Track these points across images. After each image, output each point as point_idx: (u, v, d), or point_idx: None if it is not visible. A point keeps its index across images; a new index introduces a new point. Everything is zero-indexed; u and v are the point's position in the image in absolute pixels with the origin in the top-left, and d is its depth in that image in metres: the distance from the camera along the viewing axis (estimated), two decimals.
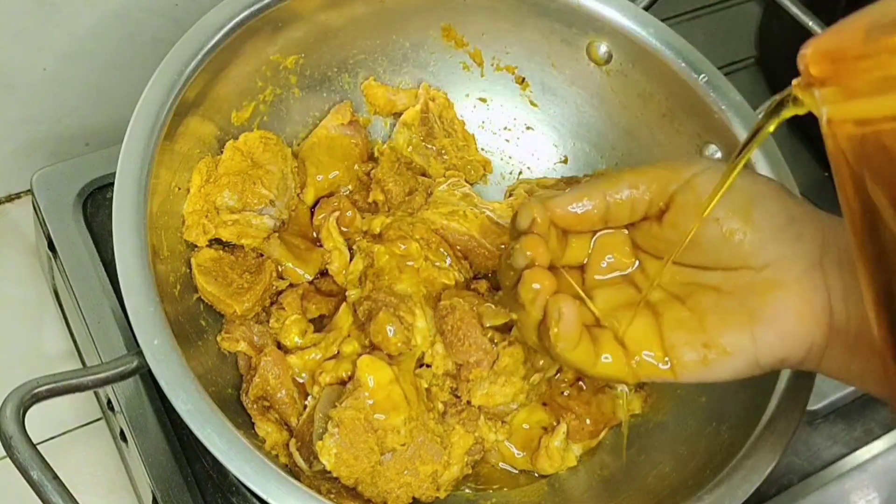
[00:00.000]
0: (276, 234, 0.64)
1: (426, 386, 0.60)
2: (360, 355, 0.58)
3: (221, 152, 0.63)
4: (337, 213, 0.66)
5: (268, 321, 0.62)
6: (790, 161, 0.62)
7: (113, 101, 0.80)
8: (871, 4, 0.35)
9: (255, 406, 0.59)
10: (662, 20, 0.65)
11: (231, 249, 0.63)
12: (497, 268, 0.54)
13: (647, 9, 0.66)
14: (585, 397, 0.63)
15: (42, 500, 0.47)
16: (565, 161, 0.73)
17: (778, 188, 0.51)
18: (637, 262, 0.54)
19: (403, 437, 0.56)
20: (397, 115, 0.72)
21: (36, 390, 0.49)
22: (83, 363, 0.73)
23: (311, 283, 0.64)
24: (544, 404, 0.63)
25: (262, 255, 0.63)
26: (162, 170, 0.57)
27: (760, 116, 0.43)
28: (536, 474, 0.62)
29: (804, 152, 0.82)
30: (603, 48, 0.67)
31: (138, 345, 0.49)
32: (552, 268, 0.50)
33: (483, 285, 0.65)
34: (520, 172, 0.74)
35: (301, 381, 0.61)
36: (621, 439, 0.63)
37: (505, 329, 0.62)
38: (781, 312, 0.47)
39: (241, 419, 0.58)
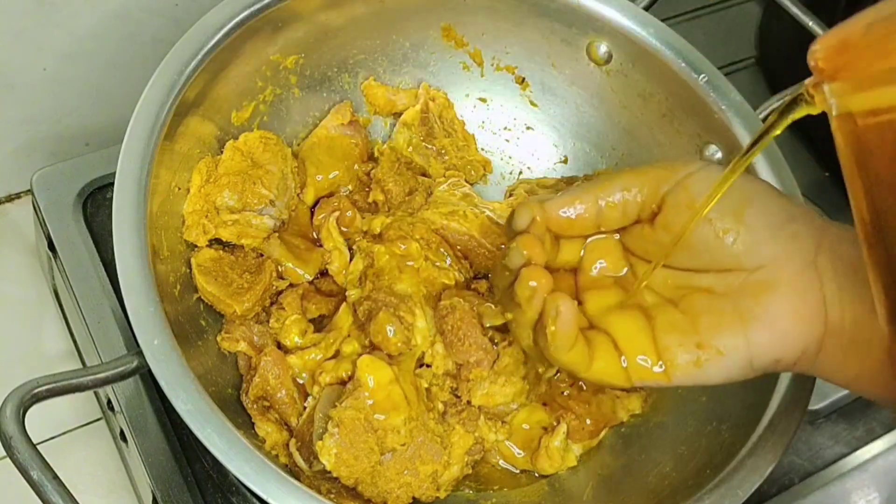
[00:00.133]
0: (276, 234, 0.64)
1: (426, 386, 0.60)
2: (360, 355, 0.58)
3: (221, 152, 0.63)
4: (337, 213, 0.66)
5: (268, 321, 0.62)
6: (791, 161, 0.62)
7: (113, 101, 0.80)
8: (875, 4, 0.36)
9: (255, 406, 0.59)
10: (662, 20, 0.65)
11: (231, 249, 0.63)
12: (492, 270, 0.54)
13: (647, 9, 0.66)
14: (585, 397, 0.63)
15: (42, 500, 0.47)
16: (565, 161, 0.73)
17: (771, 188, 0.51)
18: (628, 267, 0.53)
19: (403, 437, 0.56)
20: (397, 115, 0.72)
21: (36, 390, 0.49)
22: (83, 363, 0.73)
23: (311, 283, 0.64)
24: (544, 404, 0.63)
25: (262, 255, 0.63)
26: (162, 170, 0.57)
27: (770, 114, 0.43)
28: (537, 474, 0.62)
29: (804, 152, 0.82)
30: (603, 48, 0.67)
31: (138, 345, 0.49)
32: (547, 269, 0.50)
33: (483, 285, 0.65)
34: (520, 172, 0.74)
35: (301, 381, 0.61)
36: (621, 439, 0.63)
37: (505, 329, 0.61)
38: (776, 311, 0.47)
39: (241, 419, 0.58)
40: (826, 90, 0.37)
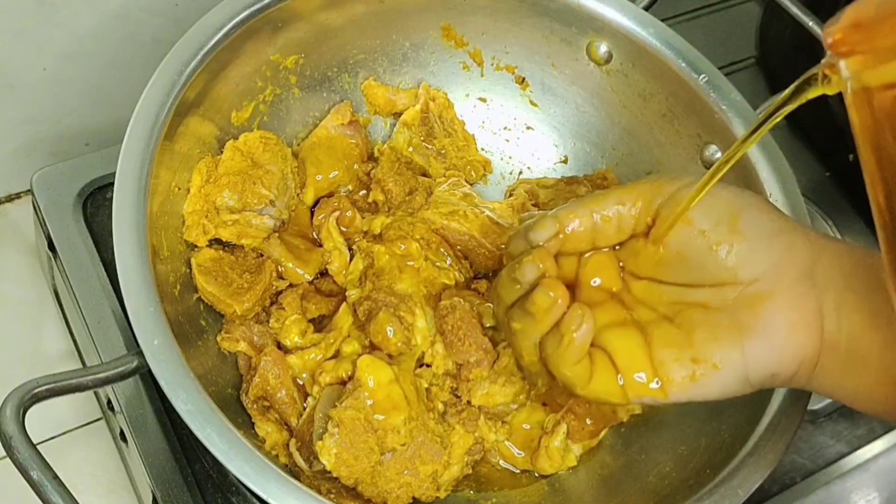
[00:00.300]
0: (276, 234, 0.64)
1: (426, 386, 0.60)
2: (360, 355, 0.58)
3: (221, 152, 0.63)
4: (337, 213, 0.66)
5: (268, 321, 0.62)
6: (791, 161, 0.62)
7: (113, 101, 0.79)
8: None
9: (255, 406, 0.59)
10: (662, 20, 0.65)
11: (231, 249, 0.63)
12: (494, 283, 0.53)
13: (647, 9, 0.66)
14: (584, 400, 0.62)
15: (42, 500, 0.47)
16: (565, 161, 0.73)
17: (763, 201, 0.50)
18: (624, 284, 0.53)
19: (403, 437, 0.56)
20: (397, 115, 0.72)
21: (36, 390, 0.49)
22: (83, 363, 0.73)
23: (311, 283, 0.64)
24: (544, 404, 0.62)
25: (262, 255, 0.63)
26: (162, 170, 0.57)
27: (783, 94, 0.42)
28: (537, 474, 0.62)
29: (805, 152, 0.82)
30: (603, 48, 0.68)
31: (138, 345, 0.49)
32: None
33: (483, 285, 0.65)
34: (520, 172, 0.74)
35: (301, 381, 0.61)
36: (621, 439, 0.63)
37: None
38: (772, 324, 0.47)
39: (241, 419, 0.58)
40: (842, 66, 0.37)
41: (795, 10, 0.71)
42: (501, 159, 0.74)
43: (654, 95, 0.67)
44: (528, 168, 0.74)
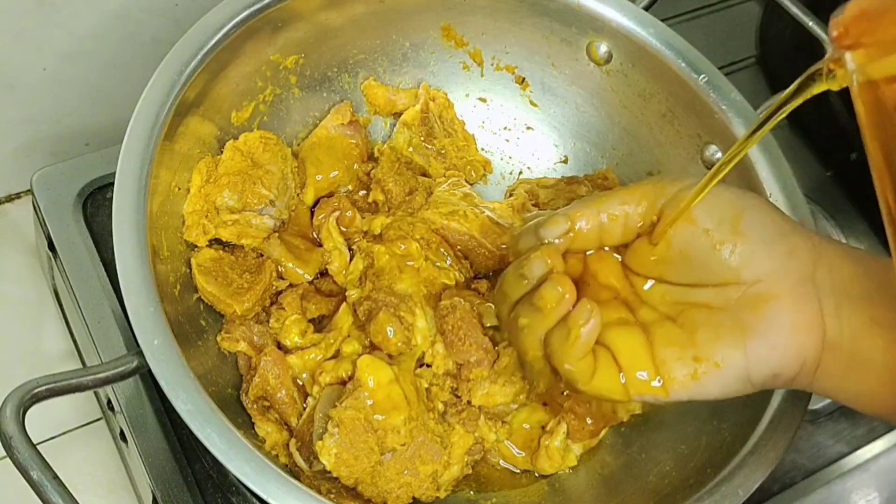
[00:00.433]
0: (276, 234, 0.64)
1: (426, 386, 0.60)
2: (360, 355, 0.58)
3: (221, 152, 0.63)
4: (337, 213, 0.66)
5: (268, 321, 0.62)
6: (791, 161, 0.62)
7: (113, 101, 0.79)
8: None
9: (255, 406, 0.59)
10: (662, 20, 0.65)
11: (231, 249, 0.63)
12: (500, 281, 0.54)
13: (647, 9, 0.66)
14: (585, 397, 0.62)
15: (42, 500, 0.47)
16: (565, 161, 0.73)
17: (766, 203, 0.51)
18: (628, 283, 0.53)
19: (403, 437, 0.56)
20: (397, 115, 0.72)
21: (36, 390, 0.49)
22: (83, 363, 0.73)
23: (311, 283, 0.64)
24: (544, 404, 0.62)
25: (262, 255, 0.63)
26: (162, 170, 0.57)
27: (786, 91, 0.43)
28: (537, 474, 0.62)
29: (806, 151, 0.82)
30: (603, 48, 0.67)
31: (138, 345, 0.49)
32: None
33: (483, 285, 0.65)
34: (520, 172, 0.74)
35: (301, 381, 0.61)
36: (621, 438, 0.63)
37: None
38: (774, 325, 0.47)
39: (241, 419, 0.58)
40: (848, 59, 0.37)
41: (795, 10, 0.71)
42: (501, 159, 0.74)
43: (654, 95, 0.67)
44: (528, 168, 0.74)
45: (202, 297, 0.60)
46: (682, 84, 0.65)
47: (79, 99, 0.79)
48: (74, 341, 0.74)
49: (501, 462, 0.62)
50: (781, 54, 0.87)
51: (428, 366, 0.61)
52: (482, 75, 0.72)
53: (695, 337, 0.49)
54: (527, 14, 0.68)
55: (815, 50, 0.69)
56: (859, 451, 0.68)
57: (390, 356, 0.59)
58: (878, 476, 0.68)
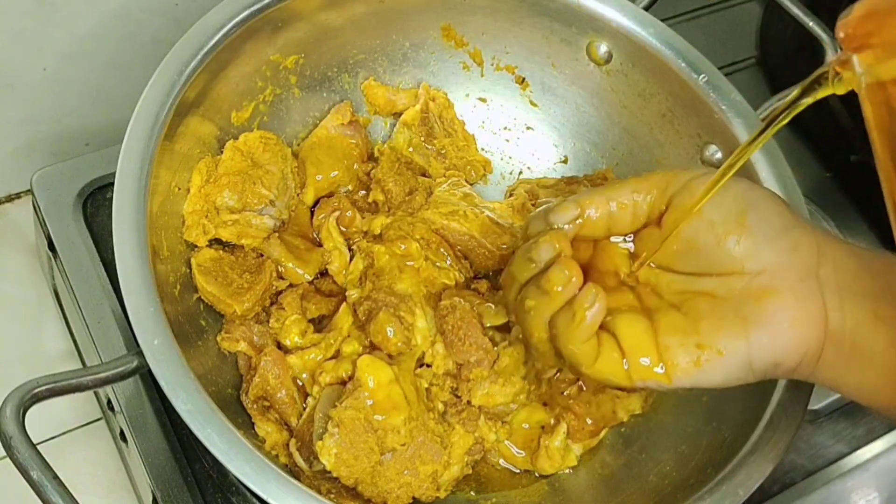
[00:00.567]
0: (276, 234, 0.64)
1: (426, 386, 0.60)
2: (360, 355, 0.58)
3: (221, 152, 0.63)
4: (337, 213, 0.66)
5: (268, 321, 0.62)
6: (791, 161, 0.62)
7: (113, 101, 0.79)
8: None
9: (255, 406, 0.59)
10: (662, 20, 0.65)
11: (231, 249, 0.63)
12: (509, 264, 0.54)
13: (647, 9, 0.66)
14: (586, 397, 0.63)
15: (42, 500, 0.47)
16: (565, 161, 0.73)
17: (773, 196, 0.51)
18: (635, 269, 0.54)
19: (403, 437, 0.56)
20: (397, 115, 0.72)
21: (36, 390, 0.49)
22: (83, 363, 0.73)
23: (311, 283, 0.64)
24: (544, 404, 0.62)
25: (262, 255, 0.63)
26: (162, 170, 0.57)
27: (791, 95, 0.43)
28: (537, 474, 0.62)
29: (806, 152, 0.82)
30: (603, 48, 0.68)
31: (138, 345, 0.49)
32: None
33: (483, 285, 0.65)
34: (520, 172, 0.74)
35: (301, 381, 0.61)
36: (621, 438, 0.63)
37: (505, 329, 0.62)
38: (776, 317, 0.47)
39: (241, 419, 0.58)
40: (855, 61, 0.37)
41: (796, 11, 0.71)
42: (501, 159, 0.74)
43: (654, 95, 0.67)
44: (528, 168, 0.74)
45: (202, 297, 0.60)
46: (682, 84, 0.65)
47: (79, 99, 0.79)
48: (74, 341, 0.74)
49: (501, 462, 0.62)
50: (781, 54, 0.87)
51: (428, 366, 0.61)
52: (482, 75, 0.72)
53: (698, 325, 0.49)
54: (527, 14, 0.68)
55: (815, 50, 0.69)
56: (859, 452, 0.68)
57: (390, 356, 0.59)
58: (878, 476, 0.68)
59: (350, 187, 0.69)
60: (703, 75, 0.64)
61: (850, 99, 0.44)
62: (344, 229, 0.66)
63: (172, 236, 0.59)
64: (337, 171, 0.68)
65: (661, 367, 0.49)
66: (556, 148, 0.73)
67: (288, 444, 0.58)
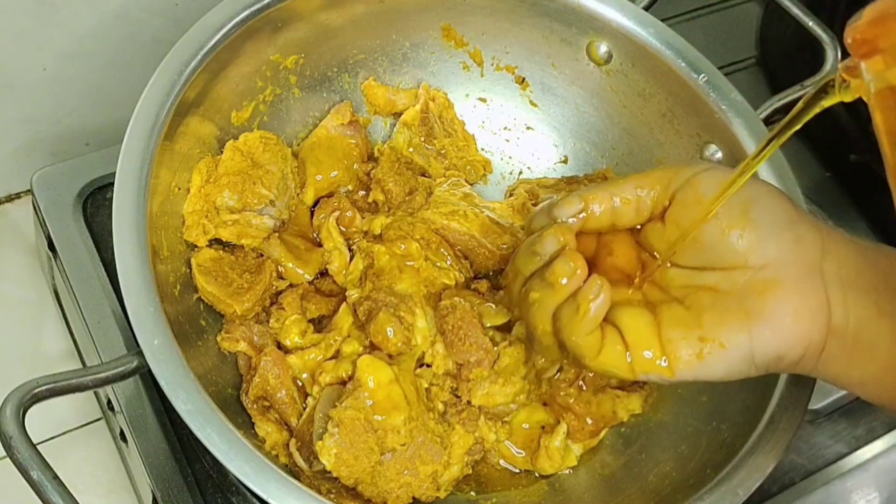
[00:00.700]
0: (276, 234, 0.64)
1: (426, 386, 0.60)
2: (360, 355, 0.58)
3: (221, 152, 0.63)
4: (337, 213, 0.66)
5: (268, 321, 0.62)
6: (791, 161, 0.62)
7: (113, 101, 0.80)
8: None
9: (255, 406, 0.59)
10: (662, 20, 0.65)
11: (231, 249, 0.63)
12: (513, 257, 0.54)
13: (647, 9, 0.66)
14: (585, 397, 0.63)
15: (42, 500, 0.47)
16: (565, 161, 0.73)
17: (776, 191, 0.51)
18: (639, 263, 0.54)
19: (403, 437, 0.56)
20: (397, 115, 0.72)
21: (36, 390, 0.49)
22: (83, 363, 0.73)
23: (311, 283, 0.64)
24: (544, 404, 0.62)
25: (262, 255, 0.63)
26: (162, 170, 0.57)
27: (796, 107, 0.43)
28: (537, 474, 0.62)
29: (806, 152, 0.82)
30: (603, 48, 0.68)
31: (138, 345, 0.49)
32: None
33: (483, 285, 0.65)
34: (520, 172, 0.74)
35: (301, 381, 0.61)
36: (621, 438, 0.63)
37: (505, 329, 0.62)
38: (779, 310, 0.48)
39: (241, 419, 0.58)
40: (864, 67, 0.37)
41: (795, 11, 0.71)
42: (501, 159, 0.74)
43: (654, 95, 0.67)
44: (528, 168, 0.74)
45: (202, 297, 0.60)
46: (682, 84, 0.65)
47: (79, 99, 0.79)
48: (74, 341, 0.74)
49: (501, 462, 0.62)
50: (781, 54, 0.87)
51: (428, 366, 0.61)
52: (482, 75, 0.72)
53: (701, 318, 0.49)
54: (527, 14, 0.68)
55: (815, 50, 0.69)
56: (858, 452, 0.68)
57: (390, 356, 0.59)
58: (878, 476, 0.68)
59: (350, 187, 0.69)
60: (703, 75, 0.64)
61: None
62: (344, 229, 0.66)
63: (172, 236, 0.59)
64: (337, 171, 0.68)
65: (664, 361, 0.49)
66: (556, 148, 0.73)
67: (288, 444, 0.58)
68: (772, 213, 0.49)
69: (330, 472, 0.55)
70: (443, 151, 0.72)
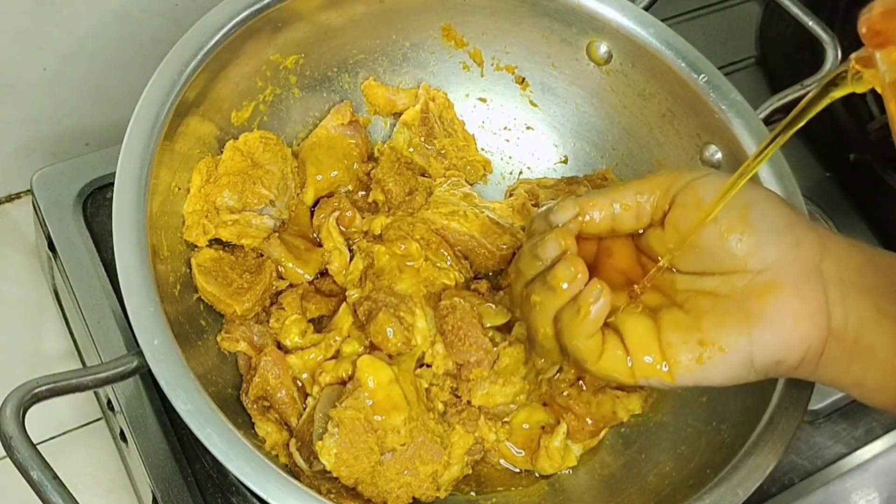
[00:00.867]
0: (276, 234, 0.64)
1: (426, 386, 0.60)
2: (360, 355, 0.58)
3: (221, 152, 0.63)
4: (337, 213, 0.66)
5: (268, 321, 0.62)
6: (791, 161, 0.62)
7: (113, 101, 0.80)
8: None
9: (255, 406, 0.59)
10: (662, 20, 0.65)
11: (231, 249, 0.63)
12: (515, 260, 0.54)
13: (647, 9, 0.66)
14: (585, 397, 0.63)
15: (42, 500, 0.47)
16: (565, 161, 0.73)
17: (775, 195, 0.51)
18: (640, 267, 0.54)
19: (403, 437, 0.56)
20: (397, 115, 0.72)
21: (36, 390, 0.49)
22: (83, 363, 0.73)
23: (311, 283, 0.64)
24: (544, 404, 0.63)
25: (262, 255, 0.63)
26: (162, 170, 0.57)
27: (808, 97, 0.43)
28: (537, 474, 0.62)
29: (805, 152, 0.82)
30: (603, 48, 0.68)
31: (138, 345, 0.49)
32: None
33: (483, 285, 0.65)
34: (520, 172, 0.74)
35: (301, 381, 0.61)
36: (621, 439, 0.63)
37: (505, 329, 0.62)
38: (779, 313, 0.48)
39: (241, 419, 0.58)
40: (878, 58, 0.37)
41: (795, 10, 0.71)
42: (501, 159, 0.74)
43: (654, 95, 0.67)
44: (528, 168, 0.74)
45: (202, 297, 0.60)
46: (682, 84, 0.65)
47: (79, 99, 0.79)
48: (74, 341, 0.74)
49: (501, 462, 0.62)
50: (781, 54, 0.87)
51: (428, 366, 0.61)
52: (482, 75, 0.72)
53: (701, 322, 0.49)
54: (527, 14, 0.68)
55: (815, 50, 0.69)
56: (858, 452, 0.68)
57: (390, 356, 0.59)
58: (877, 476, 0.68)
59: (350, 187, 0.69)
60: (703, 75, 0.64)
61: (850, 98, 0.43)
62: (344, 229, 0.66)
63: (172, 236, 0.59)
64: (337, 171, 0.68)
65: (665, 365, 0.49)
66: (556, 148, 0.73)
67: (288, 444, 0.58)
68: (770, 216, 0.49)
69: (330, 472, 0.55)
70: (443, 151, 0.72)
